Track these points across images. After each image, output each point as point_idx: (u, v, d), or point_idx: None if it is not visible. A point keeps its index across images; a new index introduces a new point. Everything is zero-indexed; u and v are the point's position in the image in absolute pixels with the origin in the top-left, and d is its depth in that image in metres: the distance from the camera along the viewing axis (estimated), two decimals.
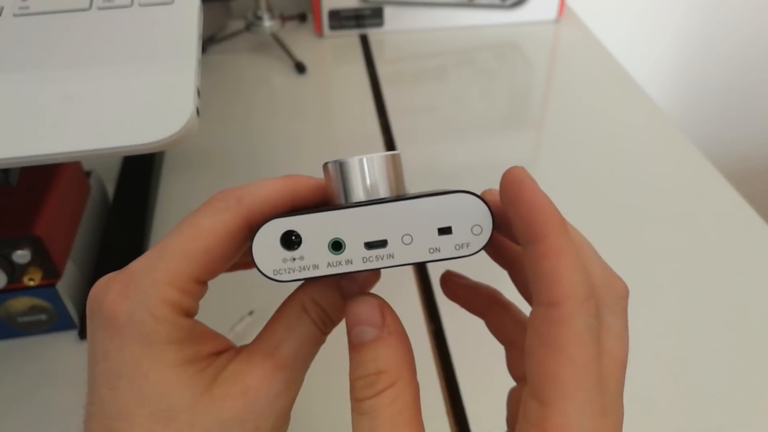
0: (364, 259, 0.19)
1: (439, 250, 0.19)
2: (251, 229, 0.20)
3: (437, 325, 0.41)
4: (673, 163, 0.55)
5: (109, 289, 0.19)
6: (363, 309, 0.20)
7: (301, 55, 0.67)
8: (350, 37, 0.73)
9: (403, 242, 0.19)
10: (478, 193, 0.20)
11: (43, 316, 0.39)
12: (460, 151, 0.56)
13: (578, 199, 0.51)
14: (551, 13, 0.74)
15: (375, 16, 0.72)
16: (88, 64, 0.36)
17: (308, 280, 0.20)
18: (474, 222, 0.19)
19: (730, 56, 1.01)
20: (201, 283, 0.20)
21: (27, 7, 0.39)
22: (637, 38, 0.96)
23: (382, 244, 0.19)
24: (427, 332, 0.41)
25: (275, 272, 0.19)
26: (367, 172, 0.20)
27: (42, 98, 0.34)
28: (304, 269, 0.19)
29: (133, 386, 0.18)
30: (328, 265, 0.19)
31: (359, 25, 0.73)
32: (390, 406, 0.19)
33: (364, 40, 0.72)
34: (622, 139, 0.58)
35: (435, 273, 0.45)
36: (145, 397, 0.18)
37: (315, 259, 0.19)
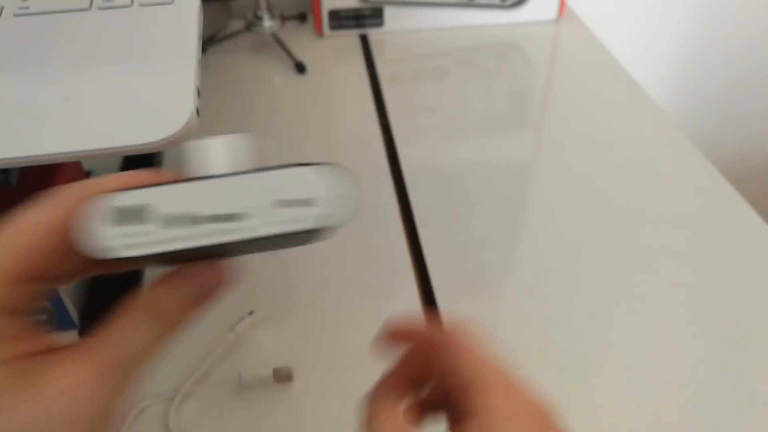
0: (209, 233, 0.18)
1: (304, 220, 0.18)
2: None
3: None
4: (673, 163, 0.55)
5: None
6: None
7: (301, 55, 0.67)
8: (350, 37, 0.73)
9: (263, 214, 0.18)
10: (345, 167, 0.19)
11: (43, 316, 0.40)
12: (460, 151, 0.56)
13: (578, 198, 0.51)
14: (551, 13, 0.74)
15: (375, 16, 0.72)
16: (88, 64, 0.36)
17: (147, 261, 0.18)
18: (340, 193, 0.18)
19: (730, 56, 1.01)
20: (36, 280, 0.18)
21: (27, 7, 0.39)
22: (637, 38, 0.96)
23: (229, 218, 0.18)
24: None
25: (105, 250, 0.17)
26: (214, 152, 0.19)
27: (42, 98, 0.34)
28: (143, 245, 0.17)
29: None
30: (167, 240, 0.17)
31: (359, 25, 0.73)
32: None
33: (364, 40, 0.72)
34: (621, 139, 0.58)
35: (435, 273, 0.45)
36: None
37: (153, 234, 0.17)
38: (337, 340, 0.40)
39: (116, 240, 0.17)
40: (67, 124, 0.33)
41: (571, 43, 0.72)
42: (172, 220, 0.17)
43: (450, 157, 0.56)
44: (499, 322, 0.41)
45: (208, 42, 0.69)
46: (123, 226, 0.17)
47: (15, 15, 0.39)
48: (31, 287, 0.19)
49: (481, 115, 0.61)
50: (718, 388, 0.38)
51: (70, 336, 0.40)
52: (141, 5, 0.39)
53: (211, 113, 0.60)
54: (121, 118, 0.33)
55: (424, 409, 0.25)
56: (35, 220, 0.18)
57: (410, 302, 0.43)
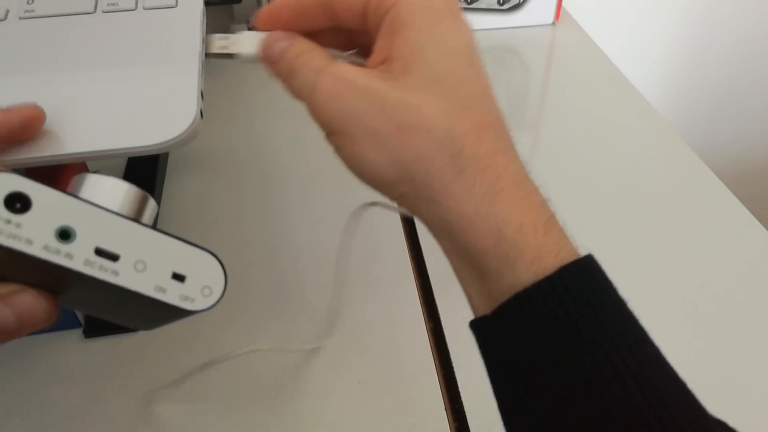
0: (86, 263, 0.17)
1: (164, 292, 0.18)
2: None
3: (436, 323, 0.42)
4: (669, 164, 0.56)
5: None
6: (272, 38, 0.28)
7: None
8: None
9: (135, 267, 0.18)
10: (221, 262, 0.19)
11: None
12: None
13: (574, 200, 0.51)
14: (548, 16, 0.75)
15: None
16: (92, 67, 0.36)
17: (15, 256, 0.17)
18: (207, 283, 0.19)
19: (724, 59, 1.02)
20: None
21: (32, 10, 0.40)
22: (633, 41, 0.96)
23: (114, 257, 0.17)
24: (426, 330, 0.41)
25: None
26: (129, 194, 0.19)
27: (47, 100, 0.34)
28: (14, 238, 0.16)
29: None
30: (45, 248, 0.17)
31: None
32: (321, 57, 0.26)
33: None
34: (618, 141, 0.58)
35: (435, 272, 0.45)
36: None
37: (34, 234, 0.16)
38: (333, 341, 0.41)
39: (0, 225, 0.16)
40: (72, 125, 0.33)
41: (568, 46, 0.73)
42: (65, 234, 0.17)
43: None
44: None
45: None
46: (14, 214, 0.16)
47: (20, 18, 0.39)
48: None
49: None
50: (713, 387, 0.38)
51: (75, 335, 0.41)
52: (145, 9, 0.39)
53: (215, 115, 0.60)
54: (126, 120, 0.34)
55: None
56: None
57: (410, 302, 0.43)
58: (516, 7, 0.73)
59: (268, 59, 0.27)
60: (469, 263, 0.23)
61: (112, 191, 0.19)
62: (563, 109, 0.63)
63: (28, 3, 0.40)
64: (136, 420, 0.36)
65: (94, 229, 0.17)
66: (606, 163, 0.56)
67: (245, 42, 0.29)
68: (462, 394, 0.37)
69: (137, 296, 0.18)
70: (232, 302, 0.43)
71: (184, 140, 0.34)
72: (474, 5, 0.72)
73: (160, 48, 0.37)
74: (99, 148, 0.33)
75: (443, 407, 0.37)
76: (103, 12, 0.40)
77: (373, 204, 0.35)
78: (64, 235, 0.17)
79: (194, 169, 0.55)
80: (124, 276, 0.17)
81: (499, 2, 0.73)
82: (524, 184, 0.24)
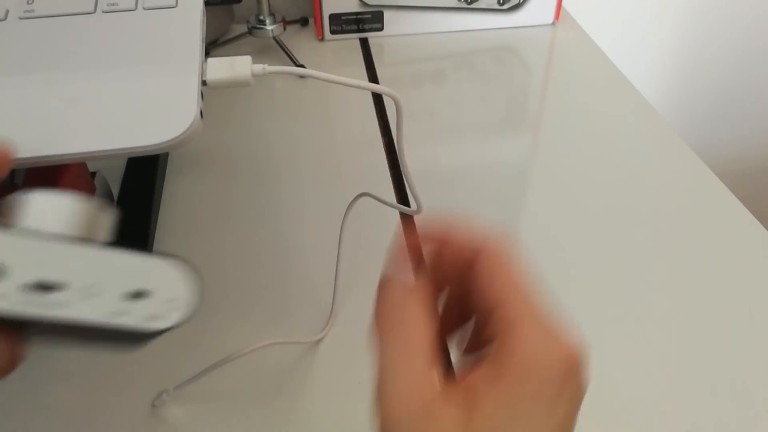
0: (26, 302, 0.15)
1: (126, 314, 0.16)
2: None
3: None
4: (668, 164, 0.56)
5: None
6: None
7: (303, 59, 0.68)
8: (351, 41, 0.73)
9: (85, 294, 0.15)
10: (186, 263, 0.17)
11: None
12: (459, 153, 0.57)
13: (574, 200, 0.51)
14: (548, 16, 0.75)
15: (375, 20, 0.73)
16: (92, 67, 0.36)
17: None
18: (176, 294, 0.16)
19: (725, 58, 1.02)
20: None
21: (32, 10, 0.40)
22: (633, 41, 0.96)
23: (56, 287, 0.15)
24: None
25: None
26: (73, 211, 0.17)
27: (47, 100, 0.34)
28: None
29: None
30: None
31: (360, 29, 0.73)
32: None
33: (365, 44, 0.73)
34: (618, 141, 0.58)
35: None
36: None
37: None
38: (333, 340, 0.41)
39: None
40: (72, 125, 0.33)
41: (568, 46, 0.73)
42: None
43: (449, 159, 0.56)
44: None
45: (211, 45, 0.70)
46: None
47: (20, 18, 0.39)
48: None
49: (479, 118, 0.62)
50: (713, 388, 0.38)
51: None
52: (145, 9, 0.39)
53: (215, 115, 0.60)
54: (126, 120, 0.34)
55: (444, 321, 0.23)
56: None
57: None
58: (516, 7, 0.73)
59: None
60: None
61: (52, 211, 0.16)
62: (563, 108, 0.63)
63: (28, 3, 0.40)
64: (138, 421, 0.36)
65: (29, 261, 0.15)
66: (605, 162, 0.56)
67: None
68: None
69: (95, 326, 0.15)
70: (232, 302, 0.43)
71: (184, 140, 0.34)
72: (474, 5, 0.73)
73: (160, 48, 0.37)
74: (99, 148, 0.33)
75: None
76: (103, 12, 0.40)
77: (364, 194, 0.35)
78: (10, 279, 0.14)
79: (194, 169, 0.55)
80: (74, 307, 0.15)
81: (499, 2, 0.73)
82: None
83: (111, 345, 0.19)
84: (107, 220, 0.18)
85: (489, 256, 0.21)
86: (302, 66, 0.67)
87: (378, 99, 0.64)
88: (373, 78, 0.67)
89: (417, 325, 0.20)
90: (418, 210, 0.33)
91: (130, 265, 0.16)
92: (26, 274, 0.15)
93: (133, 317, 0.16)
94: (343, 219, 0.38)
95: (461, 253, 0.21)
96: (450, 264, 0.22)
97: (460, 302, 0.23)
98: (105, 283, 0.15)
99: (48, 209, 0.16)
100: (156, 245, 0.47)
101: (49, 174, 0.42)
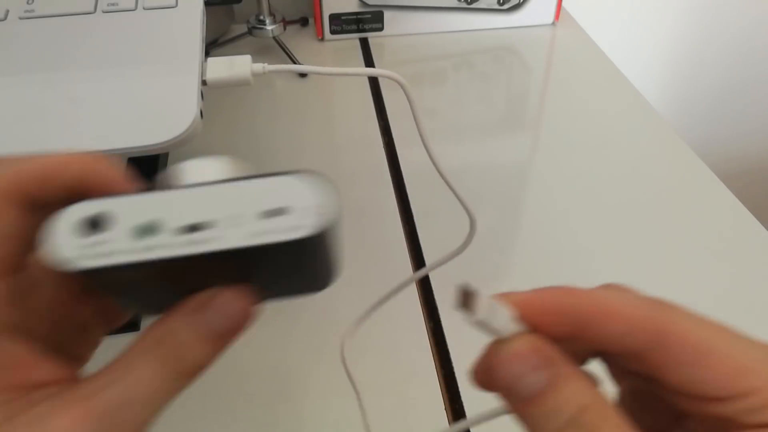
0: (180, 244, 0.16)
1: (270, 233, 0.17)
2: (21, 202, 0.17)
3: (436, 323, 0.42)
4: (668, 163, 0.56)
5: None
6: (512, 360, 0.16)
7: (303, 59, 0.68)
8: (351, 41, 0.73)
9: (228, 224, 0.17)
10: (323, 175, 0.18)
11: None
12: (459, 153, 0.57)
13: (575, 199, 0.51)
14: (548, 16, 0.75)
15: (375, 20, 0.73)
16: (92, 67, 0.36)
17: (118, 279, 0.17)
18: (311, 203, 0.17)
19: (725, 58, 1.02)
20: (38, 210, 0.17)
21: (32, 10, 0.40)
22: (633, 41, 0.97)
23: (203, 226, 0.17)
24: (426, 330, 0.41)
25: (68, 260, 0.16)
26: (193, 173, 0.19)
27: (47, 100, 0.34)
28: (107, 255, 0.16)
29: None
30: (138, 250, 0.16)
31: (360, 29, 0.73)
32: (616, 428, 0.15)
33: (365, 44, 0.73)
34: (617, 141, 0.58)
35: (435, 272, 0.45)
36: None
37: (121, 243, 0.16)
38: (335, 339, 0.41)
39: (85, 249, 0.16)
40: (72, 125, 0.33)
41: (568, 46, 0.73)
42: (148, 230, 0.16)
43: (449, 158, 0.56)
44: None
45: (211, 45, 0.70)
46: (94, 235, 0.16)
47: (20, 18, 0.39)
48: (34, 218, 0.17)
49: (480, 118, 0.62)
50: None
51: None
52: (145, 9, 0.39)
53: (214, 115, 0.60)
54: (126, 120, 0.34)
55: None
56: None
57: (410, 302, 0.43)
58: (516, 7, 0.73)
59: (504, 386, 0.16)
60: None
61: (203, 175, 0.19)
62: (563, 108, 0.63)
63: (28, 3, 0.40)
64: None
65: (173, 211, 0.17)
66: (605, 162, 0.56)
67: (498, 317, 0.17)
68: (462, 394, 0.37)
69: (257, 251, 0.17)
70: None
71: (184, 140, 0.34)
72: (474, 5, 0.73)
73: (160, 48, 0.37)
74: (99, 147, 0.33)
75: (443, 407, 0.37)
76: (103, 12, 0.40)
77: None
78: (147, 230, 0.16)
79: None
80: (223, 238, 0.17)
81: (499, 2, 0.73)
82: None
83: (297, 286, 0.21)
84: (232, 164, 0.20)
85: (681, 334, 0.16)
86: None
87: (378, 99, 0.64)
88: (372, 78, 0.67)
89: None
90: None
91: (267, 187, 0.17)
92: (176, 222, 0.17)
93: (277, 234, 0.17)
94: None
95: (621, 339, 0.17)
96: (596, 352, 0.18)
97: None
98: (247, 210, 0.17)
99: (199, 174, 0.18)
100: None
101: None
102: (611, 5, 0.92)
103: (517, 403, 0.16)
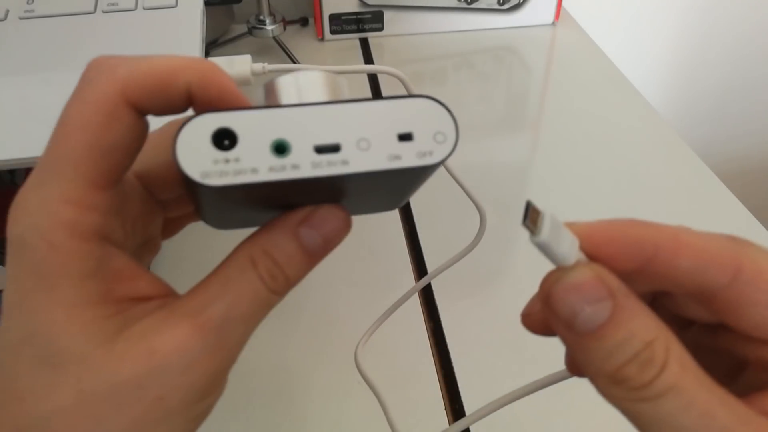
0: (313, 165, 0.16)
1: (400, 158, 0.17)
2: (134, 106, 0.16)
3: (436, 323, 0.42)
4: (668, 164, 0.56)
5: (10, 210, 0.16)
6: (575, 290, 0.15)
7: (303, 59, 0.68)
8: (351, 41, 0.73)
9: (359, 147, 0.16)
10: (441, 102, 0.18)
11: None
12: (459, 153, 0.57)
13: (574, 200, 0.51)
14: (548, 16, 0.75)
15: (375, 20, 0.73)
16: None
17: (246, 191, 0.16)
18: (437, 129, 0.17)
19: (725, 58, 1.02)
20: (104, 188, 0.16)
21: (32, 11, 0.40)
22: (633, 41, 0.97)
23: (335, 148, 0.16)
24: (426, 329, 0.41)
25: (204, 175, 0.15)
26: (314, 83, 0.18)
27: (47, 100, 0.34)
28: (240, 173, 0.16)
29: (21, 321, 0.15)
30: (270, 169, 0.16)
31: (360, 29, 0.73)
32: (684, 367, 0.14)
33: (365, 44, 0.73)
34: (617, 141, 0.58)
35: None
36: (31, 336, 0.15)
37: (254, 161, 0.16)
38: (335, 340, 0.41)
39: (219, 165, 0.15)
40: None
41: (568, 46, 0.73)
42: (281, 148, 0.16)
43: (449, 158, 0.56)
44: (498, 322, 0.41)
45: (210, 45, 0.70)
46: (227, 151, 0.16)
47: (20, 18, 0.39)
48: (104, 198, 0.16)
49: (480, 118, 0.62)
50: None
51: None
52: (145, 9, 0.39)
53: None
54: None
55: None
56: (83, 113, 0.16)
57: (410, 302, 0.43)
58: (516, 7, 0.73)
59: (564, 322, 0.15)
60: None
61: (305, 85, 0.18)
62: (563, 109, 0.63)
63: (28, 3, 0.40)
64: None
65: (305, 130, 0.16)
66: (605, 162, 0.56)
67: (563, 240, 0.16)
68: (462, 394, 0.37)
69: (377, 176, 0.17)
70: None
71: None
72: (474, 5, 0.73)
73: (160, 48, 0.37)
74: None
75: (443, 407, 0.37)
76: (103, 12, 0.40)
77: None
78: (280, 149, 0.16)
79: None
80: (354, 161, 0.16)
81: (499, 2, 0.73)
82: None
83: (390, 196, 0.21)
84: (344, 84, 0.19)
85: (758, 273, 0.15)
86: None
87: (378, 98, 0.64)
88: (372, 77, 0.67)
89: None
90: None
91: (388, 110, 0.17)
92: (307, 142, 0.16)
93: (408, 159, 0.17)
94: None
95: (692, 275, 0.15)
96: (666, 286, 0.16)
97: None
98: (372, 133, 0.17)
99: (301, 85, 0.18)
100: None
101: None
102: (612, 6, 0.92)
103: (577, 337, 0.15)
